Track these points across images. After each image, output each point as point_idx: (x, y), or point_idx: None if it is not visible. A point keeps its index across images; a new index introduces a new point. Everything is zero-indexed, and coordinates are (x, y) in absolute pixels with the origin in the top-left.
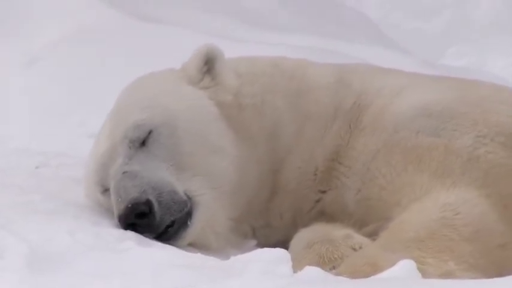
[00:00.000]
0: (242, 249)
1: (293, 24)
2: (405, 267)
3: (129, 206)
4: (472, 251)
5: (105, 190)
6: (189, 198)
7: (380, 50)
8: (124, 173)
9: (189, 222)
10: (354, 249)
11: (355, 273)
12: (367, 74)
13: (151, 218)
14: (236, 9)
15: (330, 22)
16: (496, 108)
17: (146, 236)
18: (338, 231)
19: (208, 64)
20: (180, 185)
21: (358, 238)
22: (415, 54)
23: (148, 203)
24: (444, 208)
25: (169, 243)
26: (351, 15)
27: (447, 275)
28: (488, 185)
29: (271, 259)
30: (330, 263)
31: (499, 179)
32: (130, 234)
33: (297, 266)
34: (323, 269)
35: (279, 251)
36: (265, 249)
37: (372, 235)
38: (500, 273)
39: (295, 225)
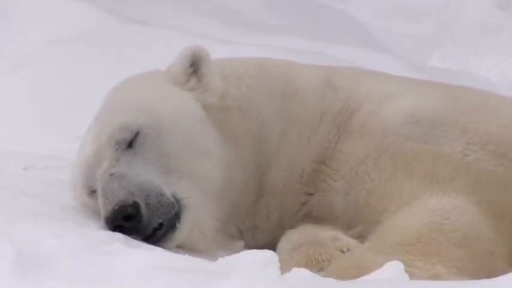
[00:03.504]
0: (230, 250)
1: (280, 26)
2: (393, 269)
3: (116, 208)
4: (461, 256)
5: (92, 192)
6: (177, 200)
7: (367, 52)
8: (111, 175)
9: (177, 225)
10: (342, 251)
11: (343, 275)
12: (356, 78)
13: (138, 220)
14: (224, 11)
15: (317, 24)
16: (486, 118)
17: (134, 238)
18: (326, 233)
19: (194, 65)
20: (167, 187)
21: (346, 240)
22: (402, 56)
23: (135, 205)
24: (433, 213)
25: (157, 246)
26: (338, 17)
27: (435, 278)
28: (478, 192)
29: (259, 261)
30: (318, 265)
31: (488, 187)
32: (117, 236)
33: (284, 267)
34: (310, 270)
35: (267, 253)
36: (253, 250)
37: (359, 237)
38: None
39: (282, 227)
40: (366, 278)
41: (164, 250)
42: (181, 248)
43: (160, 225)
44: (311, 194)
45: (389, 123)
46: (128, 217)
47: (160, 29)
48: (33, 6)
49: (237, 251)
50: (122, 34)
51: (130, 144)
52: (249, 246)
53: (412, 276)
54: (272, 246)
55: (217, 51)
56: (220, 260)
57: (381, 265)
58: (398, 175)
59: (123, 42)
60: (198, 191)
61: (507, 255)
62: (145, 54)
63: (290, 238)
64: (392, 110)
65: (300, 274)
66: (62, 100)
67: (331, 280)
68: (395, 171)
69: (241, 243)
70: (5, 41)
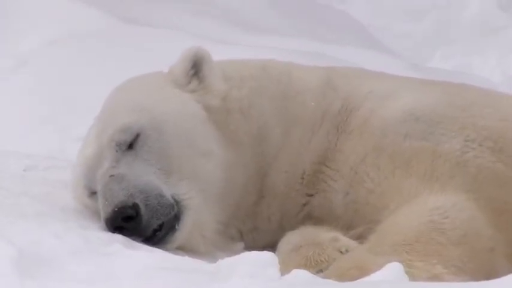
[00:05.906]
0: (230, 252)
1: (282, 27)
2: (393, 270)
3: (116, 209)
4: (460, 254)
5: (92, 193)
6: (177, 202)
7: (368, 53)
8: (111, 176)
9: (176, 226)
10: (341, 252)
11: (343, 276)
12: (355, 78)
13: (138, 222)
14: (226, 12)
15: (318, 25)
16: (484, 112)
17: (134, 239)
18: (325, 234)
19: (196, 67)
20: (168, 188)
21: (345, 241)
22: (403, 57)
23: (135, 206)
24: (432, 212)
25: (157, 247)
26: (339, 18)
27: (435, 278)
28: (477, 189)
29: (259, 262)
30: (317, 266)
31: (487, 183)
32: (118, 237)
33: (284, 269)
34: (310, 271)
35: (267, 254)
36: (253, 252)
37: (359, 238)
38: (489, 277)
39: (282, 229)
40: (365, 279)
41: (164, 251)
42: (181, 249)
43: (160, 226)
44: (311, 195)
45: (388, 121)
46: (128, 218)
47: (161, 29)
48: (33, 6)
49: (237, 252)
50: (122, 34)
51: (130, 146)
52: (249, 247)
53: (412, 277)
54: (272, 247)
55: (217, 52)
56: (220, 261)
57: (380, 266)
58: (397, 173)
59: (123, 43)
60: (199, 192)
61: (507, 251)
62: (145, 55)
63: (290, 239)
64: (391, 108)
65: (300, 275)
66: (62, 100)
67: (330, 281)
68: (395, 169)
69: (241, 244)
70: (5, 41)
